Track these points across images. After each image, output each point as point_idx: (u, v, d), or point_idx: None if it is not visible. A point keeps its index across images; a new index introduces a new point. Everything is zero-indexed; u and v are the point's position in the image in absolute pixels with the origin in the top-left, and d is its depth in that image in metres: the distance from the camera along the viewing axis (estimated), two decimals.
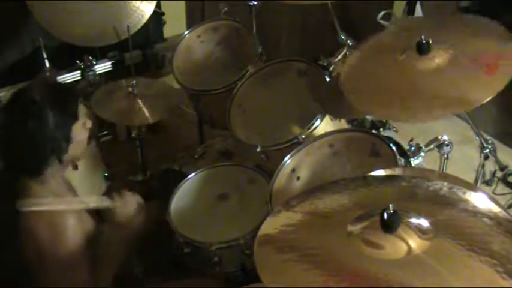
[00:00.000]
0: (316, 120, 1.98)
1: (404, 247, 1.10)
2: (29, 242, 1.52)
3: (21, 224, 1.52)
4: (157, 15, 2.98)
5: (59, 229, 1.53)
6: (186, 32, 2.57)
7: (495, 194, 2.64)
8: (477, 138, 2.27)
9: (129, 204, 1.71)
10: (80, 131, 1.62)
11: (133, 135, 2.56)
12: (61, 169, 1.64)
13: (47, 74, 2.47)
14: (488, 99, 1.55)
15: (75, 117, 1.60)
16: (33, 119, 1.52)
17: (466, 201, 1.22)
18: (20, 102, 1.56)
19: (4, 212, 1.57)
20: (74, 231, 1.55)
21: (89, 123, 1.66)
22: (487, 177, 2.66)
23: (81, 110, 1.63)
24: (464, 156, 2.72)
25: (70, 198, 1.66)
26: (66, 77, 2.55)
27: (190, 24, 3.07)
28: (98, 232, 1.66)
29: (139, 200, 1.76)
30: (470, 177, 2.31)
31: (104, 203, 1.68)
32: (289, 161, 1.93)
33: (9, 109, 1.58)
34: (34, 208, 1.51)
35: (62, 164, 1.59)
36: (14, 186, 1.56)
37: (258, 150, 2.01)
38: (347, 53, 2.32)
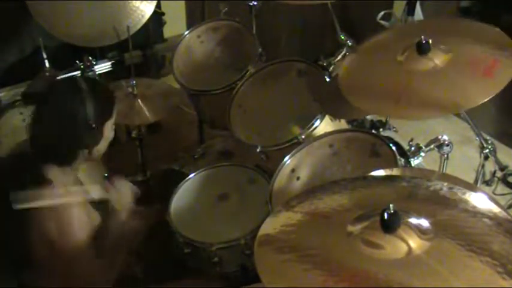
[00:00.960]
0: (316, 120, 1.98)
1: (405, 247, 1.10)
2: (38, 235, 1.53)
3: (30, 216, 1.52)
4: (157, 15, 2.98)
5: (67, 221, 1.54)
6: (186, 32, 2.57)
7: (495, 194, 2.64)
8: (477, 138, 2.27)
9: (123, 192, 1.73)
10: (110, 129, 1.68)
11: (133, 135, 2.56)
12: (82, 163, 1.66)
13: (47, 74, 2.47)
14: (484, 101, 1.55)
15: (110, 114, 1.66)
16: (77, 103, 1.57)
17: (466, 201, 1.22)
18: (67, 87, 1.61)
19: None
20: (82, 223, 1.56)
21: (113, 127, 1.71)
22: (487, 177, 2.66)
23: (115, 111, 1.69)
24: (464, 156, 2.72)
25: (76, 188, 1.66)
26: (66, 77, 2.55)
27: (190, 24, 3.07)
28: (102, 226, 1.66)
29: (134, 189, 1.78)
30: (470, 177, 2.32)
31: (104, 193, 1.70)
32: (289, 161, 1.93)
33: (54, 91, 1.62)
34: (41, 202, 1.52)
35: (90, 156, 1.63)
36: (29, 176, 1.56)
37: (258, 150, 2.01)
38: (347, 53, 2.32)
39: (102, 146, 1.67)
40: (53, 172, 1.57)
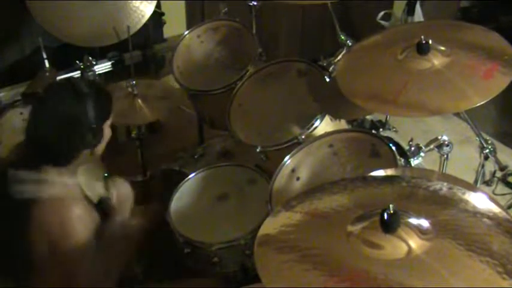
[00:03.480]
0: (316, 120, 1.98)
1: (405, 247, 1.10)
2: (40, 233, 1.53)
3: (31, 214, 1.52)
4: (157, 15, 2.98)
5: (68, 221, 1.53)
6: (186, 32, 2.56)
7: (495, 194, 2.65)
8: (477, 138, 2.28)
9: (123, 192, 1.75)
10: (108, 129, 1.69)
11: (133, 135, 2.56)
12: (79, 165, 1.66)
13: (47, 74, 2.47)
14: (483, 102, 1.56)
15: (108, 115, 1.67)
16: (77, 104, 1.58)
17: (466, 201, 1.22)
18: (65, 88, 1.61)
19: (14, 202, 1.57)
20: (83, 222, 1.56)
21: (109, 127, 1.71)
22: (487, 177, 2.67)
23: (113, 111, 1.70)
24: (464, 156, 2.72)
25: (76, 188, 1.66)
26: (66, 77, 2.55)
27: (190, 24, 3.07)
28: (102, 227, 1.66)
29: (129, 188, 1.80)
30: (470, 177, 2.32)
31: (105, 192, 1.72)
32: (289, 161, 1.93)
33: (54, 92, 1.63)
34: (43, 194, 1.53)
35: (92, 155, 1.64)
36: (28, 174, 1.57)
37: (258, 150, 2.01)
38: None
39: (101, 146, 1.68)
40: (52, 173, 1.57)
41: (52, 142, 1.58)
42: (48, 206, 1.53)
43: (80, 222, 1.55)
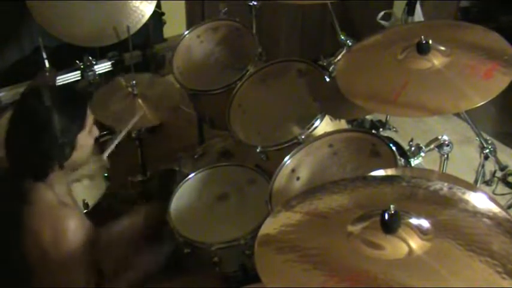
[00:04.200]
0: (316, 120, 1.98)
1: (405, 247, 1.10)
2: (33, 243, 1.52)
3: (25, 223, 1.52)
4: (157, 15, 2.98)
5: (61, 230, 1.53)
6: (186, 32, 2.57)
7: (495, 194, 2.65)
8: (477, 138, 2.28)
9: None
10: (86, 138, 1.62)
11: (133, 135, 2.56)
12: (64, 174, 1.64)
13: (47, 74, 2.47)
14: (484, 102, 1.56)
15: (81, 125, 1.60)
16: (40, 121, 1.52)
17: (466, 201, 1.22)
18: (29, 103, 1.56)
19: (9, 211, 1.57)
20: (76, 232, 1.55)
21: (96, 131, 1.67)
22: (487, 177, 2.67)
23: (89, 117, 1.63)
24: (464, 156, 2.72)
25: (68, 198, 1.66)
26: (66, 77, 2.55)
27: (190, 24, 3.08)
28: (97, 237, 1.66)
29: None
30: (470, 177, 2.32)
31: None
32: (289, 161, 1.93)
33: (18, 108, 1.59)
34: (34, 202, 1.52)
35: (63, 170, 1.59)
36: (19, 186, 1.56)
37: (258, 150, 2.01)
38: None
39: (79, 157, 1.62)
40: (37, 186, 1.56)
41: (24, 155, 1.56)
42: (40, 217, 1.52)
43: (72, 231, 1.54)
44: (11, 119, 1.57)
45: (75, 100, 1.64)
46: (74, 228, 1.54)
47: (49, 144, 1.53)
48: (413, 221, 1.15)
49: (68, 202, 1.63)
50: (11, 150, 1.57)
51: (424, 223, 1.15)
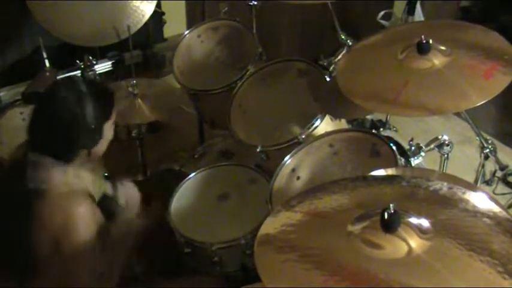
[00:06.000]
0: (316, 120, 1.98)
1: (405, 247, 1.10)
2: (43, 230, 1.53)
3: (35, 210, 1.52)
4: (158, 15, 2.98)
5: (71, 217, 1.53)
6: (186, 32, 2.57)
7: (495, 194, 2.65)
8: (477, 138, 2.28)
9: (131, 193, 1.77)
10: (109, 129, 1.67)
11: (133, 135, 2.56)
12: (83, 163, 1.65)
13: (47, 73, 2.47)
14: (484, 102, 1.56)
15: (109, 115, 1.65)
16: (76, 105, 1.56)
17: (466, 201, 1.22)
18: (67, 88, 1.60)
19: (20, 197, 1.58)
20: (86, 221, 1.56)
21: (113, 127, 1.70)
22: (487, 177, 2.67)
23: (115, 111, 1.68)
24: (464, 156, 2.72)
25: (81, 187, 1.67)
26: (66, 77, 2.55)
27: (190, 24, 3.07)
28: (106, 228, 1.66)
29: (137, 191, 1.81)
30: (470, 177, 2.32)
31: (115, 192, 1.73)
32: (289, 161, 1.93)
33: (54, 92, 1.62)
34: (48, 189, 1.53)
35: (89, 157, 1.63)
36: (33, 176, 1.57)
37: (258, 150, 2.01)
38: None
39: (101, 147, 1.67)
40: (54, 172, 1.57)
41: (51, 141, 1.58)
42: (52, 203, 1.53)
43: (83, 221, 1.55)
44: (47, 100, 1.61)
45: (106, 89, 1.70)
46: (85, 216, 1.55)
47: (82, 127, 1.57)
48: (413, 220, 1.15)
49: (85, 191, 1.63)
50: (42, 131, 1.59)
51: (424, 222, 1.15)
